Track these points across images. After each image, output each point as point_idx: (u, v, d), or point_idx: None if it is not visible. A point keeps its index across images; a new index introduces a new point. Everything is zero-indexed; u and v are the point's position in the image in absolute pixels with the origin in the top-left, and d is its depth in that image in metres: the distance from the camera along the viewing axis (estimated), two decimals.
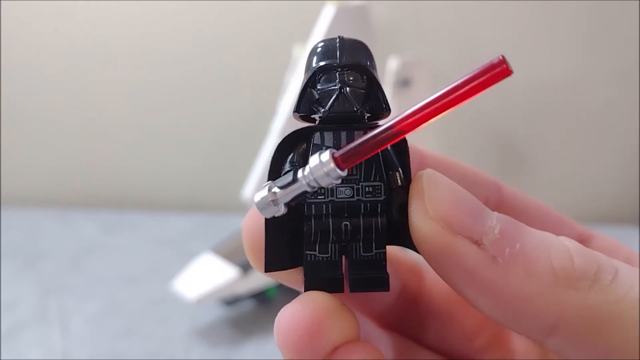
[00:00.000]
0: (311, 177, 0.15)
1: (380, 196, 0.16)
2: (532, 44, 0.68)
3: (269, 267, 0.17)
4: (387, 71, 0.55)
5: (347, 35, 0.17)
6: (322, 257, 0.16)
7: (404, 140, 0.16)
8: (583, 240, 0.20)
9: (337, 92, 0.16)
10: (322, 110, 0.16)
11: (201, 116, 0.76)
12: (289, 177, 0.15)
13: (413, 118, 0.14)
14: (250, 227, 0.17)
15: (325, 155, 0.15)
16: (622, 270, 0.14)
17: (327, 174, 0.14)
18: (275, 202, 0.15)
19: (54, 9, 0.74)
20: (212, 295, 0.46)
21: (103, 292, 0.55)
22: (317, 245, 0.16)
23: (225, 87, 0.75)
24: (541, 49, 0.68)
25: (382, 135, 0.14)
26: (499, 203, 0.20)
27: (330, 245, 0.16)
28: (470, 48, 0.69)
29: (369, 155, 0.15)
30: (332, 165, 0.14)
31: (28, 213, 0.76)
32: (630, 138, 0.69)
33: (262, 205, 0.15)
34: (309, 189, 0.15)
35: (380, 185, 0.16)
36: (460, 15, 0.68)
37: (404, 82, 0.56)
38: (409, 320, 0.21)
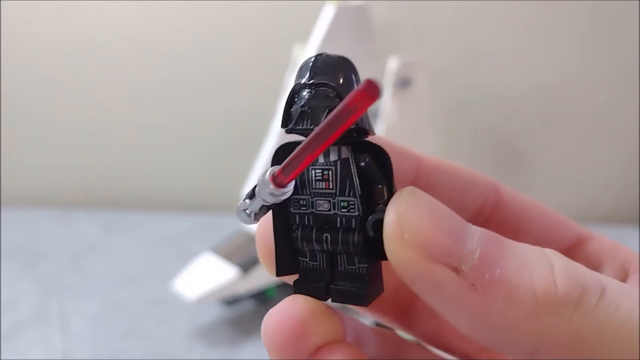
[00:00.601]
0: (261, 194, 0.15)
1: (354, 211, 0.16)
2: (532, 43, 0.68)
3: (279, 272, 0.17)
4: (387, 71, 0.55)
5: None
6: (312, 265, 0.17)
7: (387, 156, 0.16)
8: (581, 241, 0.20)
9: (300, 110, 0.16)
10: (289, 128, 0.17)
11: (201, 116, 0.76)
12: (252, 191, 0.16)
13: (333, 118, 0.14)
14: (263, 234, 0.18)
15: (267, 174, 0.15)
16: (609, 289, 0.13)
17: (270, 193, 0.15)
18: (245, 211, 0.16)
19: (54, 9, 0.74)
20: (212, 295, 0.46)
21: (103, 292, 0.55)
22: (307, 253, 0.17)
23: (225, 87, 0.75)
24: (541, 49, 0.68)
25: (307, 144, 0.14)
26: (497, 204, 0.19)
27: (317, 254, 0.17)
28: (470, 48, 0.69)
29: (305, 165, 0.14)
30: (272, 184, 0.15)
31: (28, 213, 0.76)
32: (630, 138, 0.69)
33: (238, 213, 0.16)
34: (265, 204, 0.15)
35: (355, 200, 0.16)
36: (460, 15, 0.68)
37: (404, 82, 0.56)
38: (409, 318, 0.20)
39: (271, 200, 0.15)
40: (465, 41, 0.69)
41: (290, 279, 0.18)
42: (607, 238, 0.20)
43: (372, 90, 0.12)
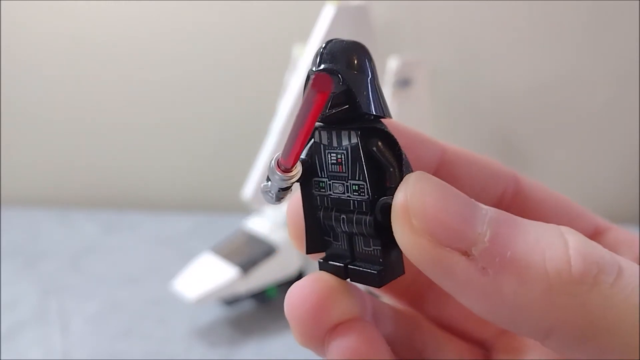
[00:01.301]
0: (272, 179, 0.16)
1: (365, 195, 0.16)
2: (532, 43, 0.68)
3: (309, 250, 0.18)
4: (387, 71, 0.55)
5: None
6: (336, 244, 0.17)
7: (394, 141, 0.16)
8: (599, 232, 0.20)
9: None
10: None
11: (201, 116, 0.76)
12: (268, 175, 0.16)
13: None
14: (293, 212, 0.18)
15: (273, 161, 0.15)
16: (626, 270, 0.13)
17: (280, 178, 0.16)
18: (269, 192, 0.16)
19: (54, 9, 0.74)
20: (212, 295, 0.46)
21: (103, 292, 0.55)
22: (331, 233, 0.17)
23: (225, 87, 0.75)
24: (541, 49, 0.68)
25: (297, 125, 0.14)
26: (516, 194, 0.20)
27: (339, 234, 0.17)
28: (470, 48, 0.69)
29: (301, 145, 0.14)
30: (277, 170, 0.15)
31: (28, 213, 0.76)
32: (630, 138, 0.69)
33: (263, 194, 0.17)
34: (281, 187, 0.16)
35: (364, 185, 0.16)
36: (460, 15, 0.68)
37: (404, 82, 0.56)
38: (428, 300, 0.21)
39: (282, 184, 0.16)
40: (465, 41, 0.69)
41: (318, 257, 0.18)
42: (625, 230, 0.20)
43: (322, 86, 0.12)
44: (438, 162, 0.19)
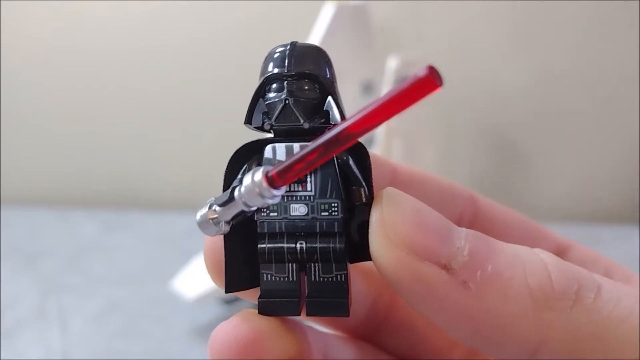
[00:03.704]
0: (245, 197, 0.14)
1: (337, 214, 0.15)
2: (531, 43, 0.68)
3: (229, 287, 0.16)
4: (387, 70, 0.55)
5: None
6: (279, 278, 0.15)
7: (366, 154, 0.15)
8: (561, 251, 0.19)
9: (281, 104, 0.15)
10: (268, 123, 0.15)
11: (201, 116, 0.76)
12: (227, 195, 0.14)
13: (361, 120, 0.13)
14: (211, 246, 0.16)
15: (258, 175, 0.14)
16: (604, 286, 0.13)
17: (261, 195, 0.13)
18: (214, 220, 0.14)
19: (54, 9, 0.74)
20: (211, 294, 0.46)
21: (103, 291, 0.55)
22: (273, 265, 0.15)
23: (225, 87, 0.74)
24: (540, 48, 0.68)
25: (327, 142, 0.13)
26: (475, 216, 0.19)
27: (287, 265, 0.15)
28: (469, 47, 0.69)
29: (313, 167, 0.13)
30: (265, 185, 0.13)
31: (28, 212, 0.76)
32: (630, 138, 0.69)
33: (202, 224, 0.15)
34: (246, 209, 0.14)
35: (337, 203, 0.15)
36: (459, 14, 0.68)
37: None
38: (382, 333, 0.20)
39: (258, 203, 0.14)
40: (465, 40, 0.69)
41: (244, 295, 0.16)
42: (587, 247, 0.19)
43: (437, 78, 0.11)
44: (389, 182, 0.18)
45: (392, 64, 0.55)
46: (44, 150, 0.81)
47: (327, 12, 0.49)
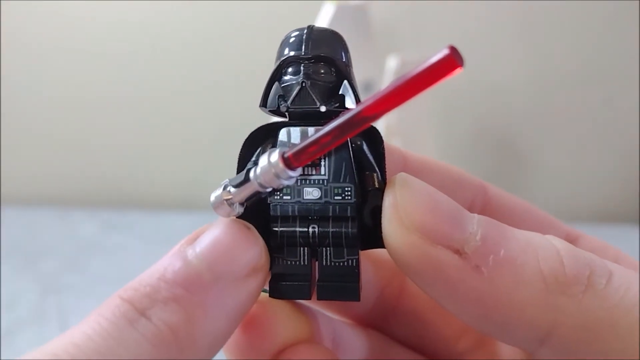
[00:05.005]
0: (261, 178, 0.14)
1: (350, 199, 0.15)
2: (531, 43, 0.68)
3: None
4: (387, 70, 0.55)
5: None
6: (291, 261, 0.15)
7: (380, 140, 0.15)
8: (571, 240, 0.20)
9: (298, 87, 0.15)
10: (284, 105, 0.15)
11: (201, 116, 0.76)
12: (242, 176, 0.14)
13: (377, 102, 0.13)
14: None
15: (275, 156, 0.14)
16: (616, 272, 0.13)
17: (277, 176, 0.13)
18: (229, 201, 0.15)
19: (54, 8, 0.74)
20: None
21: (102, 291, 0.54)
22: (285, 249, 0.15)
23: (225, 87, 0.75)
24: (540, 48, 0.68)
25: (342, 125, 0.13)
26: (485, 205, 0.19)
27: (298, 248, 0.15)
28: (469, 47, 0.69)
29: (327, 150, 0.13)
30: (282, 166, 0.13)
31: (28, 212, 0.76)
32: (631, 137, 0.69)
33: (216, 205, 0.15)
34: (261, 190, 0.14)
35: (351, 187, 0.15)
36: (459, 14, 0.68)
37: None
38: (390, 321, 0.20)
39: (273, 184, 0.14)
40: (464, 40, 0.69)
41: None
42: (595, 238, 0.20)
43: (459, 58, 0.11)
44: (400, 170, 0.18)
45: (392, 64, 0.56)
46: (44, 150, 0.81)
47: (326, 12, 0.49)
